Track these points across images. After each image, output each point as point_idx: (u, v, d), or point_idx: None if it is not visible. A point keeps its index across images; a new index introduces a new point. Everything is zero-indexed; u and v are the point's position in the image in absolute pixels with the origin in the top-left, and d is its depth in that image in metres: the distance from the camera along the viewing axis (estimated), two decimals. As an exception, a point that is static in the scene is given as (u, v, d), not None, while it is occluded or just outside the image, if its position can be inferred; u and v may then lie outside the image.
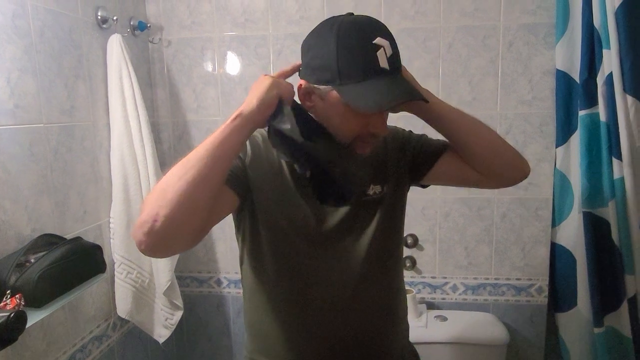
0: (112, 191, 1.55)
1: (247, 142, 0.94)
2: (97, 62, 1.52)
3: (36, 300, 1.09)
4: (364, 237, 0.96)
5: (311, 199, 0.91)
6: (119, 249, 1.54)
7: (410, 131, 1.07)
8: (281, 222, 0.93)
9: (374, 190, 0.97)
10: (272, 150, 0.93)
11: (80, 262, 1.22)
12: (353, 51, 0.81)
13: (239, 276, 1.09)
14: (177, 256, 1.67)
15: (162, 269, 1.61)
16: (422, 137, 1.05)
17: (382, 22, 0.86)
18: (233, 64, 1.84)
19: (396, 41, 0.86)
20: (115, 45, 1.53)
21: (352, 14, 0.87)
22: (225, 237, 1.94)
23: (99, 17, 1.53)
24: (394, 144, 1.02)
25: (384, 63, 0.81)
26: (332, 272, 0.95)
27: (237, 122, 0.79)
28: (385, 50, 0.81)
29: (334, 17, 0.86)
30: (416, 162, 1.01)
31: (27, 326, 1.02)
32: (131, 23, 1.71)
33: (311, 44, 0.88)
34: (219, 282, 1.98)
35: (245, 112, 0.79)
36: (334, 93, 0.83)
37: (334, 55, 0.82)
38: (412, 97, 0.82)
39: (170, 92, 1.89)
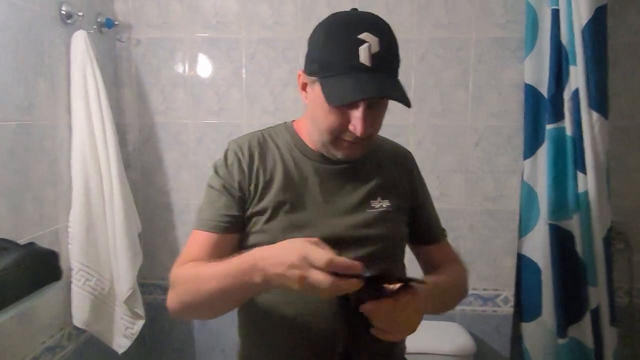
0: (72, 194, 1.48)
1: (238, 155, 0.94)
2: (60, 58, 1.46)
3: (-17, 309, 1.02)
4: (365, 248, 0.92)
5: (310, 205, 0.92)
6: (78, 254, 1.47)
7: (419, 169, 1.08)
8: (274, 233, 0.90)
9: (381, 203, 0.95)
10: (264, 159, 0.94)
11: (34, 269, 1.14)
12: (336, 44, 0.81)
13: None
14: (139, 263, 1.61)
15: (124, 277, 1.54)
16: (429, 205, 1.07)
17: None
18: (204, 67, 1.80)
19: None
20: (80, 41, 1.47)
21: (356, 9, 0.88)
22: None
23: (63, 12, 1.46)
24: (407, 165, 1.04)
25: (364, 59, 0.79)
26: None
27: (254, 278, 0.74)
28: (370, 47, 0.79)
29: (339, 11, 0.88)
30: (410, 223, 1.02)
31: (-29, 338, 0.95)
32: (98, 20, 1.65)
33: (310, 35, 0.89)
34: (183, 290, 1.91)
35: (267, 277, 0.73)
36: (319, 84, 0.84)
37: (321, 46, 0.83)
38: (381, 94, 0.81)
39: (138, 92, 1.83)
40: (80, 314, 1.49)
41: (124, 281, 1.55)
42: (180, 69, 1.81)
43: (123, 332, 1.60)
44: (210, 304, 0.82)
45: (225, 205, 0.92)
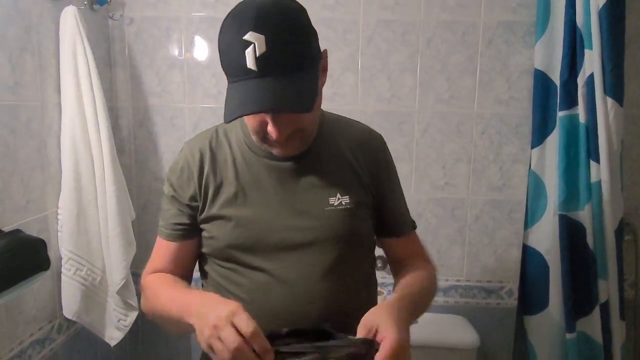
0: (62, 179, 1.40)
1: (188, 160, 0.93)
2: (49, 35, 1.37)
3: (-35, 300, 0.95)
4: (324, 252, 0.88)
5: (264, 208, 0.88)
6: (68, 242, 1.40)
7: (390, 156, 1.00)
8: (227, 239, 0.89)
9: (340, 200, 0.89)
10: (215, 162, 0.92)
11: (20, 258, 1.08)
12: (226, 48, 0.76)
13: (198, 274, 1.02)
14: (133, 252, 1.54)
15: (117, 266, 1.48)
16: (396, 195, 1.00)
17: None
18: (202, 48, 1.72)
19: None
20: (70, 18, 1.38)
21: None
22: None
23: (52, -14, 1.38)
24: (371, 152, 0.96)
25: (251, 63, 0.72)
26: (287, 283, 0.87)
27: (187, 320, 0.77)
28: (256, 48, 0.71)
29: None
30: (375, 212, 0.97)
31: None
32: (89, -4, 1.56)
33: None
34: (178, 281, 1.85)
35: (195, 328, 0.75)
36: None
37: (218, 48, 0.78)
38: (261, 108, 0.74)
39: (132, 74, 1.75)
40: (70, 305, 1.42)
41: (116, 271, 1.48)
42: (176, 49, 1.73)
43: (115, 324, 1.53)
44: (164, 323, 0.87)
45: (175, 215, 0.93)
